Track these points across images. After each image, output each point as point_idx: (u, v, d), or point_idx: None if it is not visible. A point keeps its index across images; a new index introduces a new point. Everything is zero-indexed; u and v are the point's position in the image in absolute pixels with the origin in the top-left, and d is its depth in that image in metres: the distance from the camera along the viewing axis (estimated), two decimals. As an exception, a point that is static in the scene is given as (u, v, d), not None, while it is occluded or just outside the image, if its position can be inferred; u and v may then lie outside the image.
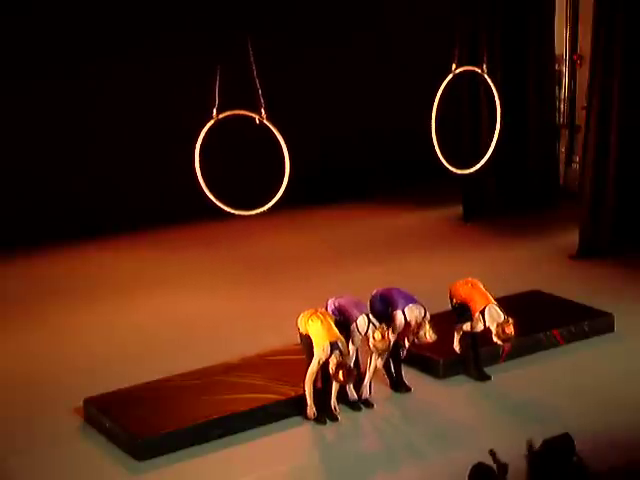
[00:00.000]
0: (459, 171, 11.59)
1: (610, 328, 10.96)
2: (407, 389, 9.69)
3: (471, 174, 12.14)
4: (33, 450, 8.74)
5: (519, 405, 9.39)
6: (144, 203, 15.23)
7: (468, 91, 15.16)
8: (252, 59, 9.49)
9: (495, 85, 11.53)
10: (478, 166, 11.67)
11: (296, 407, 9.17)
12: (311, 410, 9.02)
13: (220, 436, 8.77)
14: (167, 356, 10.62)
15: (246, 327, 11.42)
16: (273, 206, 9.63)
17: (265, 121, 9.37)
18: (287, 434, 8.92)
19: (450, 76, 10.98)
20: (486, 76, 11.46)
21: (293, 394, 9.23)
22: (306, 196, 15.69)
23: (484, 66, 11.43)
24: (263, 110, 9.34)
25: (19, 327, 11.69)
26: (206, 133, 9.29)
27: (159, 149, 14.99)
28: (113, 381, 9.64)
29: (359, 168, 16.84)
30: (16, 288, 13.06)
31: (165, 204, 15.22)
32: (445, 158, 11.06)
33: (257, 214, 9.66)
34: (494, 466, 6.38)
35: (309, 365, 8.88)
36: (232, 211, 9.47)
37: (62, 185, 14.79)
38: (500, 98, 11.53)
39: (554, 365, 10.22)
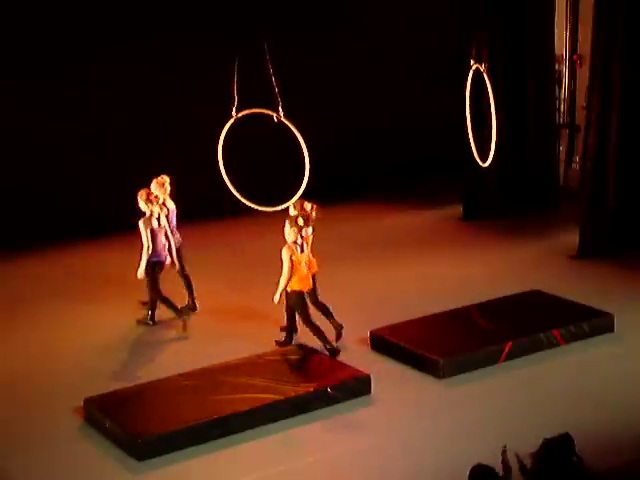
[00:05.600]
0: (485, 164, 11.68)
1: (610, 328, 10.96)
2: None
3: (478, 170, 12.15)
4: (33, 450, 8.75)
5: (519, 405, 9.37)
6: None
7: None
8: (268, 58, 9.52)
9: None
10: (489, 161, 11.66)
11: (296, 407, 9.18)
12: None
13: (220, 436, 8.77)
14: (167, 356, 10.62)
15: (246, 327, 11.41)
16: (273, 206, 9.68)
17: (283, 119, 9.39)
18: (287, 434, 8.93)
19: (471, 72, 11.06)
20: (485, 74, 11.46)
21: (293, 394, 9.25)
22: (306, 196, 15.63)
23: (484, 64, 11.45)
24: (280, 108, 9.37)
25: (19, 327, 11.70)
26: (227, 132, 9.36)
27: (160, 149, 14.96)
28: (113, 381, 9.64)
29: (359, 168, 16.81)
30: (16, 288, 13.06)
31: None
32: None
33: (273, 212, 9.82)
34: (501, 464, 6.34)
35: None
36: (258, 207, 9.59)
37: (62, 185, 14.76)
38: (497, 97, 11.54)
39: (554, 365, 10.23)
